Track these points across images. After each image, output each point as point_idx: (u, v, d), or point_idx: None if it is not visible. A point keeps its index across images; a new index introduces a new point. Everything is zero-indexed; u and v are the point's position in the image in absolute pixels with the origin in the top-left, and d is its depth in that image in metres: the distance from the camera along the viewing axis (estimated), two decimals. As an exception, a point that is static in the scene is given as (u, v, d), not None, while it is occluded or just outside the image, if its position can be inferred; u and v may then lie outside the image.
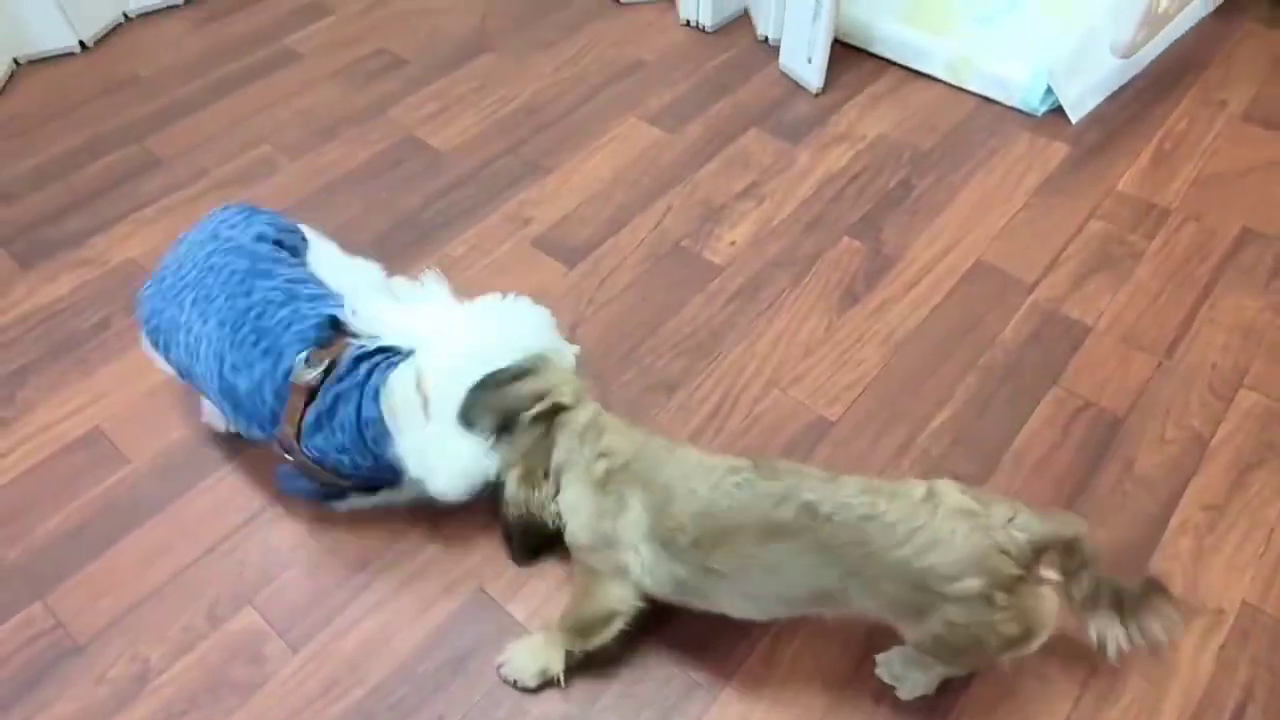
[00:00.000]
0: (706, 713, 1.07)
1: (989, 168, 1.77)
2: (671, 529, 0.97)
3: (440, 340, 1.12)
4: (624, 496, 1.01)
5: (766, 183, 1.76)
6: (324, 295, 1.18)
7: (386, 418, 1.10)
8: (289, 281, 1.18)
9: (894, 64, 2.02)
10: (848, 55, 2.03)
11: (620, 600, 1.03)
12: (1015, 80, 1.87)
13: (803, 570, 0.93)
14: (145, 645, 1.15)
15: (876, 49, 2.03)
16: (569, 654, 1.07)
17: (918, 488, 0.92)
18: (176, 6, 2.33)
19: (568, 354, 1.25)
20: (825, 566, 0.92)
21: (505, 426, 1.08)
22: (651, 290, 1.57)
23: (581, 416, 1.07)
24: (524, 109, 1.97)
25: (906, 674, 1.05)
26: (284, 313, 1.14)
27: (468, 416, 1.08)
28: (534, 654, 1.08)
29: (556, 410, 1.08)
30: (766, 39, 2.10)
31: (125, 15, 2.27)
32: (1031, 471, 1.29)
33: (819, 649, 1.12)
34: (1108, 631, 0.95)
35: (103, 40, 2.21)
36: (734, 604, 1.01)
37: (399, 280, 1.35)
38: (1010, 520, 0.88)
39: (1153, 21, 1.86)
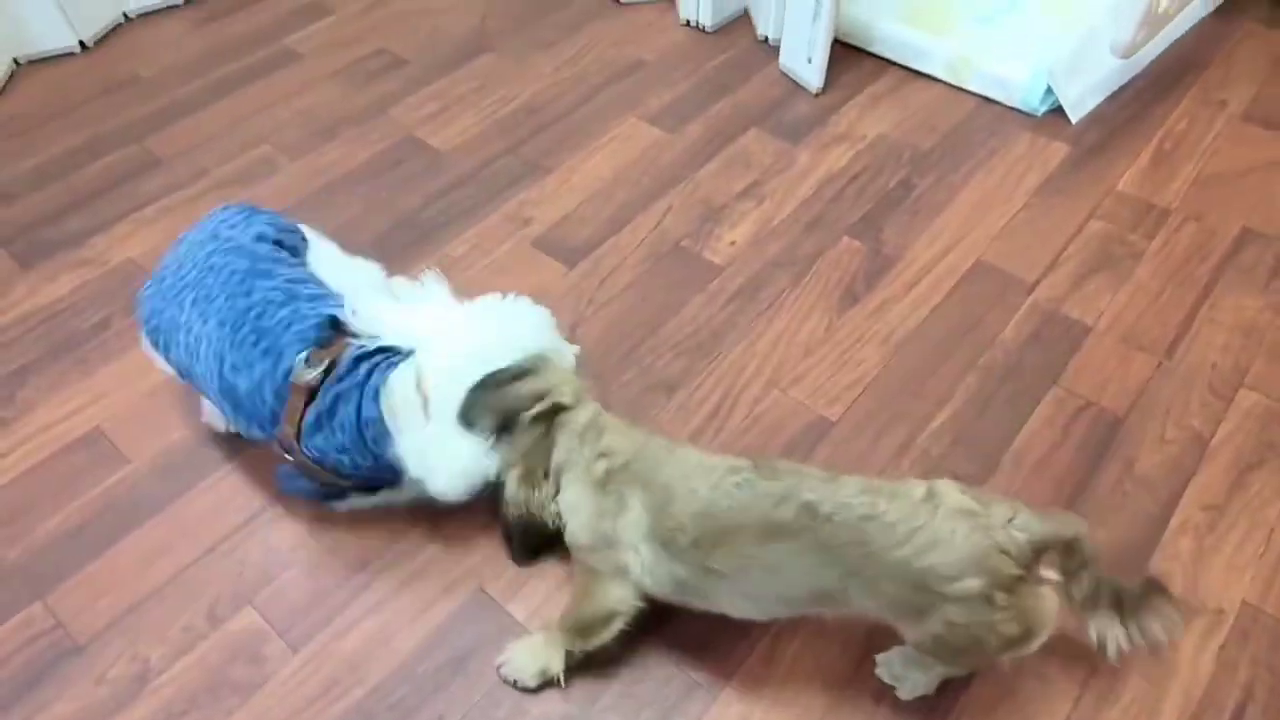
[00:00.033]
0: (706, 713, 1.07)
1: (989, 168, 1.77)
2: (671, 529, 0.97)
3: (440, 340, 1.12)
4: (624, 496, 1.01)
5: (766, 183, 1.76)
6: (324, 295, 1.18)
7: (386, 418, 1.10)
8: (289, 281, 1.18)
9: (894, 64, 2.02)
10: (848, 55, 2.03)
11: (620, 600, 1.03)
12: (1015, 80, 1.87)
13: (803, 570, 0.93)
14: (145, 645, 1.15)
15: (876, 49, 2.03)
16: (569, 654, 1.07)
17: (918, 488, 0.92)
18: (176, 6, 2.33)
19: (568, 354, 1.25)
20: (825, 566, 0.92)
21: (505, 426, 1.08)
22: (651, 290, 1.57)
23: (581, 416, 1.07)
24: (524, 109, 1.96)
25: (906, 674, 1.05)
26: (284, 313, 1.14)
27: (468, 416, 1.08)
28: (534, 654, 1.08)
29: (556, 410, 1.08)
30: (766, 39, 2.10)
31: (125, 15, 2.27)
32: (1031, 471, 1.29)
33: (819, 649, 1.12)
34: (1108, 631, 0.95)
35: (103, 40, 2.21)
36: (734, 604, 1.01)
37: (399, 280, 1.35)
38: (1010, 520, 0.88)
39: (1153, 21, 1.86)
